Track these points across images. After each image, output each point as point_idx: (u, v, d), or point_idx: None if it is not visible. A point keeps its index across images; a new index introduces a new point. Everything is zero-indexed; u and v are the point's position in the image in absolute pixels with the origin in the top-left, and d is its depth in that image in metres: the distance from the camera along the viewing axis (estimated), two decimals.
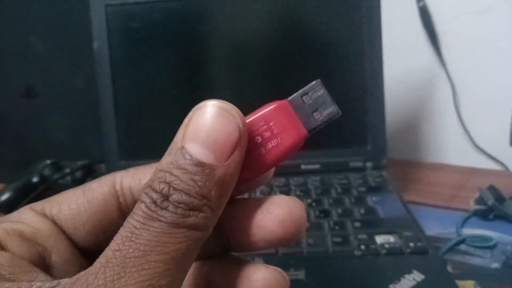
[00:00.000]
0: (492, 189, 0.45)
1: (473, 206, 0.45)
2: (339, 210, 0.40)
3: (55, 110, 0.66)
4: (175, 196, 0.13)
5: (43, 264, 0.15)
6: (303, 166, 0.48)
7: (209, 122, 0.14)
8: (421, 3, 0.61)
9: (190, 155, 0.13)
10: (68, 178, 0.56)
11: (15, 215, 0.16)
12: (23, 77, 0.65)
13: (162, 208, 0.13)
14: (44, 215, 0.16)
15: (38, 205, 0.16)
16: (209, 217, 0.13)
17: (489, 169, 0.59)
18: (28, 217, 0.15)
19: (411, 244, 0.34)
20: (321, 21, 0.50)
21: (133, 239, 0.12)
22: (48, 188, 0.56)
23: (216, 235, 0.16)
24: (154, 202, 0.13)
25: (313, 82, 0.16)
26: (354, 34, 0.49)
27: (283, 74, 0.51)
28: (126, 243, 0.12)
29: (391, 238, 0.35)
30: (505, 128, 0.58)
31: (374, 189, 0.44)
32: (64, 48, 0.64)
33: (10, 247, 0.14)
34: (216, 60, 0.51)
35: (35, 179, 0.57)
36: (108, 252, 0.13)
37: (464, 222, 0.44)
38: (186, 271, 0.13)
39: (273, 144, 0.15)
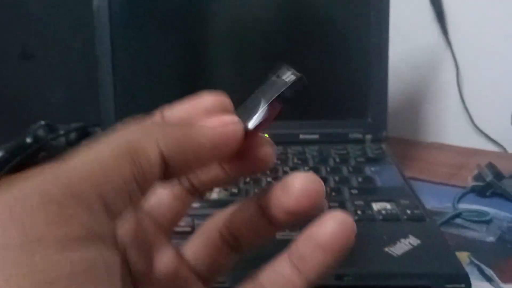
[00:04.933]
0: (491, 166, 0.45)
1: (471, 183, 0.45)
2: (336, 178, 0.39)
3: (52, 73, 0.64)
4: None
5: None
6: (301, 136, 0.47)
7: None
8: None
9: None
10: (62, 139, 0.55)
11: None
12: (19, 39, 0.64)
13: None
14: None
15: None
16: None
17: (488, 150, 0.58)
18: None
19: (408, 212, 0.33)
20: None
21: None
22: (41, 149, 0.55)
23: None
24: None
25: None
26: (361, 8, 0.48)
27: (286, 48, 0.49)
28: None
29: (388, 206, 0.35)
30: (506, 111, 0.58)
31: (373, 160, 0.43)
32: (63, 9, 0.62)
33: None
34: (217, 26, 0.50)
35: (28, 140, 0.56)
36: None
37: (461, 198, 0.44)
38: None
39: None
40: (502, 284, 0.33)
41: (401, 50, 0.62)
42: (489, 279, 0.33)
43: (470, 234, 0.38)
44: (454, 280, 0.26)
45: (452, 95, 0.62)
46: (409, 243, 0.29)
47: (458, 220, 0.40)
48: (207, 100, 0.17)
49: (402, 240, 0.30)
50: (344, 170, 0.41)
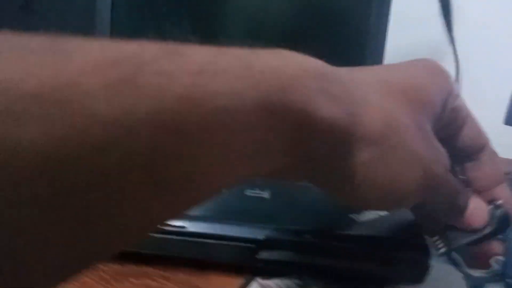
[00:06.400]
0: None
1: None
2: None
3: (51, 28, 0.64)
4: None
5: None
6: None
7: None
8: None
9: None
10: None
11: None
12: None
13: None
14: None
15: None
16: None
17: None
18: None
19: None
20: None
21: None
22: None
23: None
24: None
25: None
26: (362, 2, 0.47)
27: (284, 39, 0.49)
28: None
29: None
30: (501, 114, 0.57)
31: None
32: None
33: None
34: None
35: None
36: None
37: None
38: None
39: None
40: (468, 269, 0.32)
41: (402, 43, 0.61)
42: (454, 263, 0.33)
43: None
44: (411, 248, 0.26)
45: None
46: (376, 213, 0.29)
47: None
48: None
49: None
50: None
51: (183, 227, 0.26)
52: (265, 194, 0.31)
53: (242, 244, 0.26)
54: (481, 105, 0.61)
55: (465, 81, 0.61)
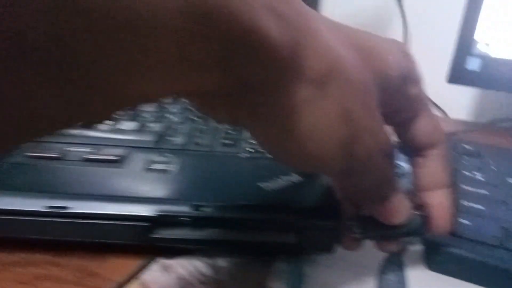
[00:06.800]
0: None
1: (396, 139, 0.42)
2: None
3: None
4: None
5: None
6: None
7: None
8: None
9: None
10: None
11: None
12: None
13: None
14: None
15: None
16: None
17: None
18: None
19: None
20: None
21: None
22: None
23: None
24: None
25: None
26: None
27: None
28: None
29: None
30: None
31: None
32: None
33: None
34: None
35: None
36: None
37: None
38: None
39: None
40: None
41: (350, 4, 0.58)
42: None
43: None
44: (320, 216, 0.23)
45: None
46: (289, 180, 0.27)
47: None
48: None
49: (283, 177, 0.27)
50: None
51: (65, 207, 0.23)
52: (170, 167, 0.28)
53: (134, 223, 0.24)
54: (428, 65, 0.59)
55: (413, 42, 0.59)
